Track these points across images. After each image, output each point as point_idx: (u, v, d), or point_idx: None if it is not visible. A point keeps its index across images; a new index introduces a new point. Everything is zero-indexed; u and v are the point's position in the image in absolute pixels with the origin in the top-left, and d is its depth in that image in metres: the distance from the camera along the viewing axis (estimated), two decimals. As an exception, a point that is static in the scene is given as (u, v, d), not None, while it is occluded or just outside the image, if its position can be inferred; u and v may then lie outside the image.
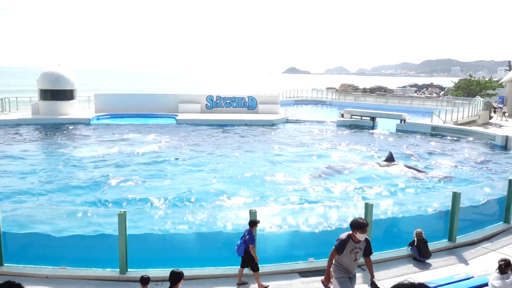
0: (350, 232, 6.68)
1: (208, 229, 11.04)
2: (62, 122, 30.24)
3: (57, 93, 31.99)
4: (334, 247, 6.73)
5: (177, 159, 20.20)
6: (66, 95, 32.43)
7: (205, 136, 27.14)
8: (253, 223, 8.68)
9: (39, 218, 11.44)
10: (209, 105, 36.48)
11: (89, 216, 11.50)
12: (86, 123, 30.56)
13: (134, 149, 21.99)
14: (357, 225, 6.54)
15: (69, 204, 13.58)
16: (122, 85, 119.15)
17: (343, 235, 6.74)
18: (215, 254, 9.83)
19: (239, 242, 8.67)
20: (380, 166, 19.33)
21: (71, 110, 32.64)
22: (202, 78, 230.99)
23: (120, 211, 8.84)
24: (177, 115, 33.41)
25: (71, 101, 32.84)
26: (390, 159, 19.70)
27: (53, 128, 28.26)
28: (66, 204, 13.53)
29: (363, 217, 9.85)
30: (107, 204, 13.56)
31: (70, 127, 28.77)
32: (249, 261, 8.63)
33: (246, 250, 8.53)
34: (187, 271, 7.31)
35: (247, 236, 8.54)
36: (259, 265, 8.68)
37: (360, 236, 6.58)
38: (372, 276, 6.94)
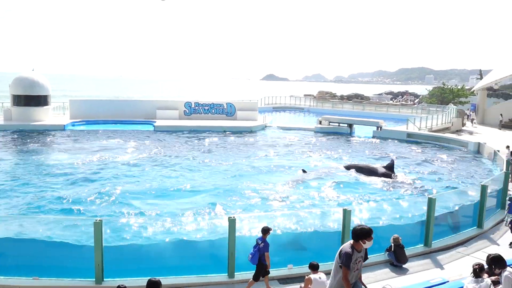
0: (351, 242, 6.16)
1: (186, 237, 10.91)
2: (35, 128, 29.54)
3: (31, 99, 31.28)
4: (342, 264, 6.10)
5: (154, 166, 19.97)
6: (40, 101, 31.74)
7: (183, 142, 26.94)
8: (266, 230, 8.64)
9: (11, 227, 11.08)
10: (187, 111, 36.30)
11: (64, 225, 11.21)
12: (61, 129, 29.94)
13: (110, 156, 21.62)
14: (366, 233, 6.05)
15: (43, 212, 13.22)
16: (99, 91, 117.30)
17: (347, 248, 6.15)
18: (194, 262, 9.74)
19: (252, 251, 8.60)
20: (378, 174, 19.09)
21: (45, 116, 31.94)
22: (181, 84, 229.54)
23: (96, 220, 8.66)
24: (155, 122, 33.10)
25: (45, 107, 32.15)
26: (390, 168, 19.35)
27: (26, 135, 27.54)
28: (40, 212, 13.16)
29: (342, 223, 9.97)
30: (83, 212, 13.26)
31: (44, 134, 28.11)
32: (258, 268, 8.58)
33: (260, 258, 8.50)
34: (164, 280, 7.21)
35: (261, 244, 8.51)
36: (235, 273, 8.66)
37: (368, 244, 6.17)
38: (360, 278, 6.69)
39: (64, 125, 30.48)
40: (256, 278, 8.70)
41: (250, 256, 8.62)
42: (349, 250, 6.08)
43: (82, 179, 17.10)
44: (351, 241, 6.14)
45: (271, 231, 8.78)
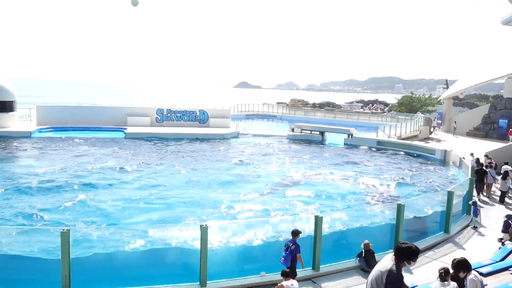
0: (393, 259, 5.07)
1: (157, 246, 10.73)
2: (0, 135, 28.49)
3: (-5, 105, 30.21)
4: None
5: (125, 174, 19.60)
6: (5, 106, 30.72)
7: (155, 150, 26.60)
8: (296, 232, 9.01)
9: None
10: (159, 118, 35.90)
11: (29, 235, 10.82)
12: (27, 136, 29.02)
13: (78, 163, 21.09)
14: (414, 253, 5.09)
15: (8, 222, 12.72)
16: (68, 97, 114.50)
17: (394, 269, 4.99)
18: (165, 271, 9.59)
19: (284, 253, 8.88)
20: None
21: (10, 122, 30.92)
22: (152, 91, 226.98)
23: (63, 229, 8.40)
24: (125, 129, 32.55)
25: (10, 113, 31.13)
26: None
27: (-10, 142, 26.54)
28: (4, 222, 12.66)
29: (314, 230, 10.03)
30: (49, 222, 12.84)
31: (9, 141, 27.15)
32: (291, 269, 8.73)
33: (292, 259, 8.79)
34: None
35: (293, 246, 8.84)
36: (208, 282, 8.58)
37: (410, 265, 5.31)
38: None
39: (31, 132, 29.57)
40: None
41: (282, 259, 8.90)
42: (398, 272, 4.99)
43: (49, 187, 16.59)
44: (393, 259, 5.08)
45: (300, 234, 9.11)
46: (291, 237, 9.25)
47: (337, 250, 11.20)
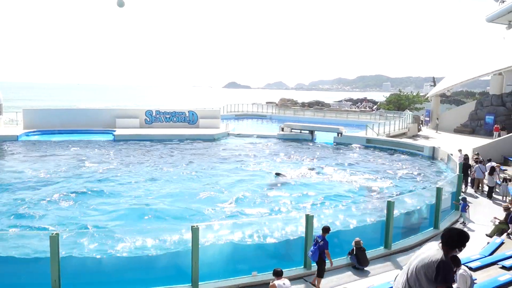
0: (439, 248, 4.49)
1: (148, 248, 10.66)
2: (-14, 139, 28.08)
3: (-19, 109, 29.78)
4: (444, 283, 4.31)
5: (115, 176, 19.44)
6: (-10, 110, 30.27)
7: (145, 151, 26.43)
8: (326, 229, 9.27)
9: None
10: (148, 120, 35.68)
11: (18, 239, 10.68)
12: (14, 140, 28.62)
13: (67, 167, 20.87)
14: (466, 238, 4.55)
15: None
16: (54, 100, 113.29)
17: (443, 258, 4.39)
18: (157, 274, 9.53)
19: (312, 248, 9.20)
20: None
21: (-4, 126, 30.47)
22: (140, 92, 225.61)
23: (52, 233, 8.30)
24: (114, 131, 32.28)
25: (-4, 116, 30.68)
26: None
27: (-25, 146, 26.14)
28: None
29: (305, 229, 10.06)
30: (38, 226, 12.68)
31: (-5, 145, 26.76)
32: (319, 265, 9.17)
33: (320, 255, 9.09)
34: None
35: (321, 242, 9.09)
36: (200, 283, 8.56)
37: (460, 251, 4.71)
38: None
39: (17, 136, 29.16)
40: (320, 274, 9.29)
41: (311, 253, 9.23)
42: (449, 262, 4.42)
43: (37, 191, 16.38)
44: (439, 247, 4.50)
45: (330, 231, 9.37)
46: (312, 235, 9.67)
47: (329, 248, 11.23)
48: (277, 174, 20.22)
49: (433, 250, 4.50)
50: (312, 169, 21.87)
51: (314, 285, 9.41)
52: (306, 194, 17.16)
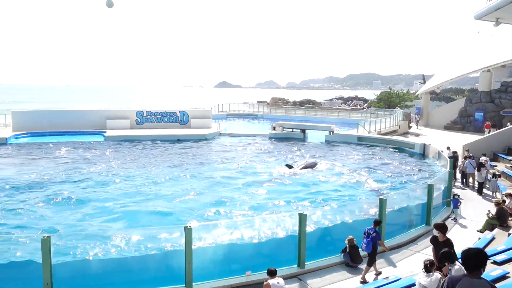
0: (461, 270, 4.50)
1: (141, 249, 10.60)
2: (-26, 142, 27.73)
3: (-32, 111, 29.38)
4: None
5: (106, 177, 19.30)
6: (-21, 113, 29.86)
7: (136, 152, 26.28)
8: (378, 222, 10.03)
9: None
10: (139, 120, 35.51)
11: (8, 243, 10.54)
12: (3, 143, 28.30)
13: (58, 169, 20.68)
14: (485, 258, 4.50)
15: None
16: (44, 101, 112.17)
17: (451, 276, 4.63)
18: (150, 275, 9.47)
19: (365, 240, 9.75)
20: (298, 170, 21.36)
21: (-15, 129, 30.06)
22: (130, 92, 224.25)
23: (44, 236, 8.22)
24: (105, 132, 32.06)
25: (-15, 119, 30.28)
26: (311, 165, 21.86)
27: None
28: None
29: (298, 228, 10.07)
30: (30, 229, 12.54)
31: (-16, 148, 26.42)
32: (371, 255, 9.72)
33: (373, 245, 9.65)
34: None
35: (373, 234, 9.70)
36: (193, 283, 8.54)
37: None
38: None
39: (7, 138, 28.83)
40: (370, 263, 9.80)
41: (364, 245, 9.79)
42: (455, 278, 4.52)
43: (28, 194, 16.21)
44: (462, 269, 4.35)
45: (381, 224, 10.27)
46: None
47: (321, 246, 11.26)
48: (288, 166, 21.59)
49: (458, 274, 4.53)
50: (304, 167, 21.91)
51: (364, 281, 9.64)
52: (299, 192, 17.19)
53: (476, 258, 4.39)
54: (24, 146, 27.80)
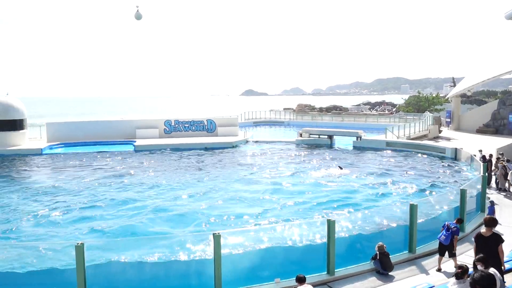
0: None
1: (171, 256, 10.74)
2: (12, 153, 28.87)
3: (6, 124, 30.60)
4: None
5: (137, 186, 19.70)
6: (15, 125, 31.08)
7: (165, 161, 26.72)
8: (461, 220, 11.08)
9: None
10: (167, 129, 36.11)
11: (44, 251, 10.89)
12: (38, 153, 29.32)
13: (91, 178, 21.26)
14: (493, 281, 4.71)
15: (25, 238, 12.83)
16: (76, 113, 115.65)
17: None
18: (180, 282, 9.58)
19: (446, 233, 10.31)
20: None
21: (21, 140, 31.27)
22: (159, 102, 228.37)
23: (78, 243, 8.46)
24: (135, 141, 32.78)
25: (21, 131, 31.48)
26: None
27: (2, 160, 26.87)
28: (20, 238, 12.77)
29: (327, 234, 9.98)
30: (63, 236, 12.93)
31: (20, 159, 27.47)
32: (450, 249, 10.38)
33: (451, 239, 10.28)
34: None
35: (454, 228, 10.32)
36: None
37: None
38: None
39: (42, 149, 29.87)
40: (454, 254, 10.48)
41: (444, 237, 10.33)
42: None
43: (62, 202, 16.71)
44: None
45: (463, 222, 11.41)
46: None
47: (351, 253, 11.11)
48: (340, 168, 22.70)
49: None
50: (332, 173, 21.73)
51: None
52: (328, 198, 17.04)
53: (482, 283, 4.44)
54: (58, 156, 28.71)
